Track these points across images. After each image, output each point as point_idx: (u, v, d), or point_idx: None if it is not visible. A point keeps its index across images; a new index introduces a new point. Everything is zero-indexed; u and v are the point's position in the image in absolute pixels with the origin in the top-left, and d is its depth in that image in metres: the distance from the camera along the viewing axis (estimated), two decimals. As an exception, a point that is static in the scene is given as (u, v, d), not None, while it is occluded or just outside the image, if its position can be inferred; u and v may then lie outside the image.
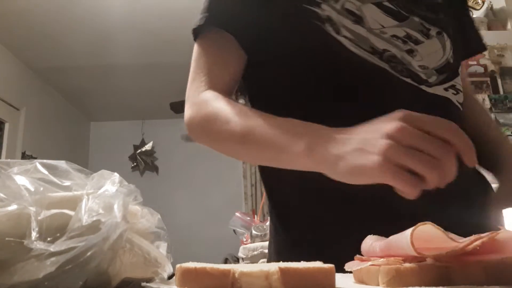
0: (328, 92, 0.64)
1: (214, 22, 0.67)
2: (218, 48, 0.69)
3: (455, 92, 0.68)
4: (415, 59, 0.64)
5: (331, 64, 0.63)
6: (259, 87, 0.73)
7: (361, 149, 0.46)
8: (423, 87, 0.64)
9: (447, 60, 0.67)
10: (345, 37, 0.62)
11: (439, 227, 0.33)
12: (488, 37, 2.05)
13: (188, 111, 0.67)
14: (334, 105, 0.63)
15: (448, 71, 0.67)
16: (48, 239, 0.35)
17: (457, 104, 0.68)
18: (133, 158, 5.29)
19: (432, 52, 0.65)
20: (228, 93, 0.67)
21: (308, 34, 0.63)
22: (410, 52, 0.63)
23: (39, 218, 0.35)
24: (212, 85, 0.66)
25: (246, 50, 0.68)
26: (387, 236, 0.39)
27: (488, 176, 0.74)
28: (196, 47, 0.70)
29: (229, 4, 0.67)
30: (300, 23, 0.64)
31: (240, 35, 0.67)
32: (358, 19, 0.62)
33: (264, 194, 2.47)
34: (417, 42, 0.64)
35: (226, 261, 4.18)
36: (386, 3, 0.64)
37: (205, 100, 0.65)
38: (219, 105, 0.62)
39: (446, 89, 0.66)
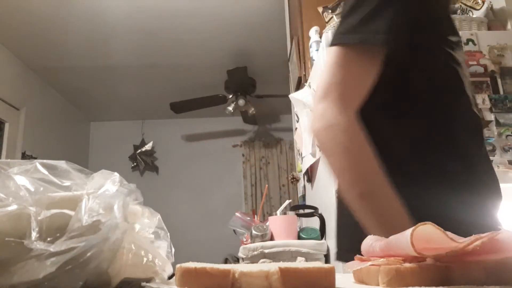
0: (443, 123, 0.75)
1: (383, 42, 0.70)
2: (364, 60, 0.72)
3: None
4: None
5: (455, 101, 0.77)
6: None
7: None
8: None
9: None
10: (463, 81, 0.77)
11: (439, 227, 0.33)
12: (488, 37, 2.05)
13: (318, 123, 0.70)
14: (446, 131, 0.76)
15: None
16: (48, 239, 0.35)
17: None
18: (133, 158, 5.30)
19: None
20: (358, 108, 0.71)
21: (445, 71, 0.77)
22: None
23: (39, 218, 0.35)
24: (348, 100, 0.70)
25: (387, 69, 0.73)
26: None
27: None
28: (340, 53, 0.72)
29: (394, 27, 0.70)
30: (439, 60, 0.76)
31: (393, 53, 0.72)
32: (463, 69, 0.78)
33: (264, 194, 2.46)
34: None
35: (226, 261, 4.18)
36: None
37: (342, 126, 0.68)
38: (354, 148, 0.68)
39: None
